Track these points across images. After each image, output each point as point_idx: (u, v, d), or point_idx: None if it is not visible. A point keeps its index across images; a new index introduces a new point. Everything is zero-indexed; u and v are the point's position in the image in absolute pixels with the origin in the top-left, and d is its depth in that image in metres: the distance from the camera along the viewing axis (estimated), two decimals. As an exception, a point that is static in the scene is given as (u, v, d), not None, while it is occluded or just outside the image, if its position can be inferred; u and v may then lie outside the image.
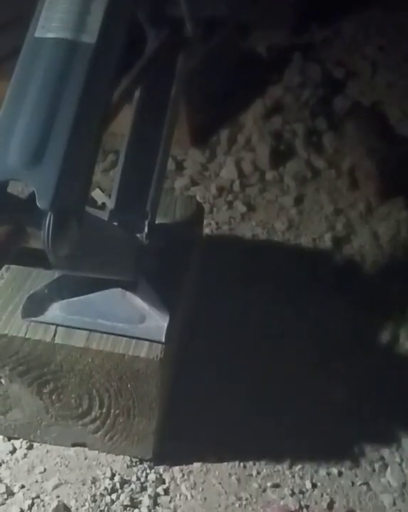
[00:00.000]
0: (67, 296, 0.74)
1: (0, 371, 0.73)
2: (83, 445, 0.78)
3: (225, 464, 0.79)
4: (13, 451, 0.78)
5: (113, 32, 0.59)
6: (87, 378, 0.72)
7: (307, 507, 0.76)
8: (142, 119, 0.78)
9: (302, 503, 0.76)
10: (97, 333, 0.71)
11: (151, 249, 0.76)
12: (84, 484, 0.75)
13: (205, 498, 0.76)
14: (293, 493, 0.77)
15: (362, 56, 1.60)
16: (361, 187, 1.25)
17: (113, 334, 0.71)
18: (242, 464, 0.79)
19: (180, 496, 0.76)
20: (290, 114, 1.39)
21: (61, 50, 0.56)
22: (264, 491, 0.77)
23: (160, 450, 0.78)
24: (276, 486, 0.78)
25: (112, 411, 0.74)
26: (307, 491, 0.78)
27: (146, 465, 0.78)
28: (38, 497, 0.74)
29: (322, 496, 0.78)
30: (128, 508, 0.73)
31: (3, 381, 0.73)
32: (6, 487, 0.74)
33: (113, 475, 0.76)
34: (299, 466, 0.80)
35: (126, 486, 0.75)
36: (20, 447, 0.78)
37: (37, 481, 0.75)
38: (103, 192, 0.90)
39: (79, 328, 0.72)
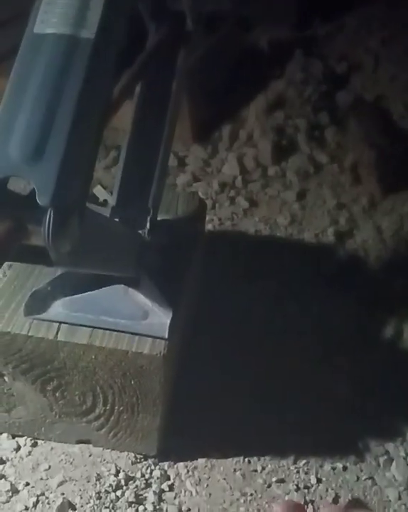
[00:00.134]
0: (69, 293, 0.74)
1: (3, 369, 0.73)
2: (87, 442, 0.78)
3: (230, 459, 0.79)
4: (18, 448, 0.78)
5: (113, 27, 0.58)
6: (91, 375, 0.72)
7: (312, 502, 0.76)
8: (143, 115, 0.78)
9: (307, 498, 0.76)
10: (99, 329, 0.71)
11: (153, 246, 0.76)
12: (88, 481, 0.75)
13: (210, 494, 0.76)
14: (298, 488, 0.77)
15: (365, 50, 1.59)
16: (364, 182, 1.25)
17: (116, 331, 0.71)
18: (246, 459, 0.79)
19: (185, 491, 0.76)
20: (292, 109, 1.38)
21: (61, 46, 0.55)
22: (269, 486, 0.77)
23: (165, 446, 0.78)
24: (281, 481, 0.78)
25: (116, 408, 0.74)
26: (312, 485, 0.78)
27: (150, 461, 0.77)
28: (42, 494, 0.74)
29: (327, 490, 0.77)
30: (133, 505, 0.73)
31: (6, 379, 0.73)
32: (11, 485, 0.74)
33: (118, 472, 0.76)
34: (304, 461, 0.80)
35: (130, 482, 0.75)
36: (25, 445, 0.78)
37: (41, 479, 0.75)
38: (105, 189, 0.90)
39: (82, 325, 0.71)
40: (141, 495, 0.74)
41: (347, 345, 0.94)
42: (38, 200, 0.52)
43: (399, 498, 0.77)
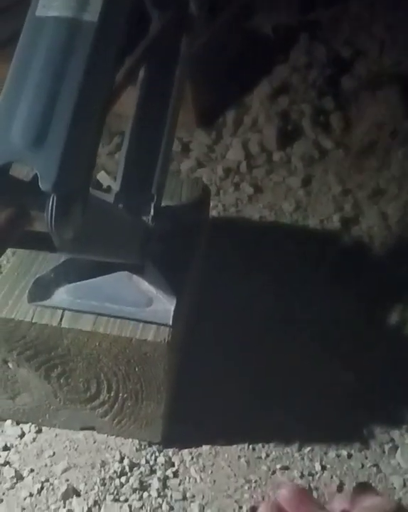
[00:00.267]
0: (73, 279, 0.73)
1: (8, 356, 0.72)
2: (92, 429, 0.78)
3: (234, 446, 0.79)
4: (22, 435, 0.78)
5: (116, 11, 0.58)
6: (95, 362, 0.72)
7: (316, 489, 0.76)
8: (147, 101, 0.78)
9: (311, 485, 0.76)
10: (104, 316, 0.71)
11: (157, 232, 0.76)
12: (93, 468, 0.75)
13: (214, 481, 0.76)
14: (302, 476, 0.77)
15: (370, 35, 1.58)
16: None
17: (120, 318, 0.71)
18: (250, 446, 0.79)
19: (189, 478, 0.76)
20: (297, 94, 1.37)
21: (63, 29, 0.55)
22: (274, 473, 0.77)
23: (169, 433, 0.78)
24: (285, 468, 0.78)
25: (120, 395, 0.74)
26: (316, 473, 0.78)
27: (154, 448, 0.77)
28: (47, 481, 0.74)
29: (331, 478, 0.77)
30: (137, 491, 0.73)
31: (11, 365, 0.73)
32: (15, 471, 0.74)
33: (122, 458, 0.76)
34: (308, 449, 0.80)
35: (135, 469, 0.75)
36: (29, 431, 0.78)
37: (46, 465, 0.75)
38: (108, 175, 0.89)
39: (86, 312, 0.71)
40: (146, 481, 0.75)
41: (352, 332, 0.94)
42: (40, 186, 0.51)
43: (404, 485, 0.77)
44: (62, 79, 0.54)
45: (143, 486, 0.74)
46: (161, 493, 0.74)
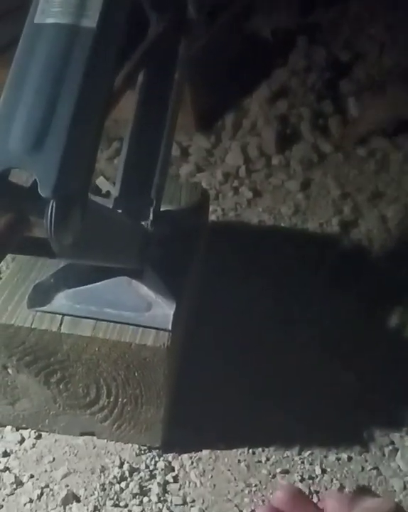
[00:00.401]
0: (73, 285, 0.73)
1: (7, 361, 0.72)
2: (91, 434, 0.78)
3: (234, 450, 0.79)
4: (22, 441, 0.78)
5: (115, 16, 0.58)
6: (94, 367, 0.72)
7: (317, 492, 0.76)
8: (145, 105, 0.78)
9: (312, 488, 0.76)
10: (103, 322, 0.71)
11: (156, 237, 0.76)
12: (93, 473, 0.75)
13: (215, 485, 0.76)
14: (302, 479, 0.77)
15: (369, 37, 1.58)
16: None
17: (119, 323, 0.71)
18: (250, 450, 0.79)
19: (189, 483, 0.76)
20: (296, 97, 1.38)
21: (62, 35, 0.55)
22: (274, 477, 0.77)
23: (169, 438, 0.78)
24: (285, 472, 0.77)
25: (120, 400, 0.74)
26: (317, 476, 0.77)
27: (154, 453, 0.77)
28: (47, 486, 0.73)
29: (332, 481, 0.77)
30: (137, 496, 0.73)
31: (10, 371, 0.73)
32: (15, 477, 0.74)
33: (122, 463, 0.76)
34: (308, 452, 0.80)
35: (135, 474, 0.75)
36: (29, 437, 0.78)
37: (46, 471, 0.75)
38: (107, 180, 0.89)
39: (85, 317, 0.71)
40: (146, 486, 0.74)
41: (351, 335, 0.94)
42: (39, 192, 0.51)
43: (404, 488, 0.77)
44: (61, 85, 0.54)
45: (143, 491, 0.74)
46: (161, 498, 0.74)
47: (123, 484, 0.74)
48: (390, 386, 0.87)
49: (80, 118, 0.54)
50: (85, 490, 0.73)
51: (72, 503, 0.72)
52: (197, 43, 0.84)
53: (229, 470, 0.77)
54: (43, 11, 0.55)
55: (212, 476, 0.76)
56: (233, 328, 0.93)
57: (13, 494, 0.73)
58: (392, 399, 0.86)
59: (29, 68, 0.55)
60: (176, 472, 0.76)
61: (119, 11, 0.59)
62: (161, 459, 0.77)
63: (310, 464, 0.78)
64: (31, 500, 0.72)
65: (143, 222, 0.75)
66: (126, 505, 0.72)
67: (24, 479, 0.74)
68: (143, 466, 0.76)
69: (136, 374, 0.71)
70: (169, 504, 0.73)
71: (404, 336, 0.95)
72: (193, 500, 0.74)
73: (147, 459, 0.77)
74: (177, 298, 0.73)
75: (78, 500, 0.72)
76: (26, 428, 0.79)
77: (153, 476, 0.75)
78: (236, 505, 0.74)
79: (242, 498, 0.74)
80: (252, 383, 0.86)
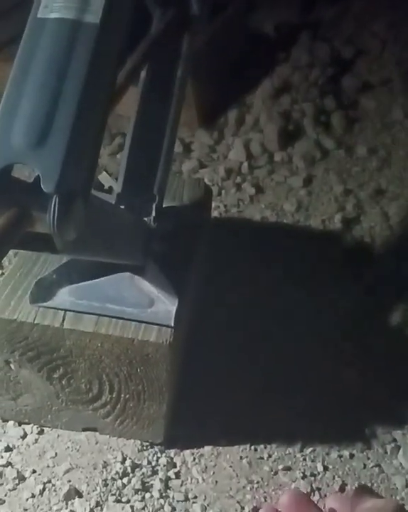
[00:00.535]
0: (75, 280, 0.73)
1: (10, 356, 0.72)
2: (94, 430, 0.78)
3: (236, 447, 0.79)
4: (24, 436, 0.78)
5: (117, 11, 0.58)
6: (97, 363, 0.72)
7: (319, 489, 0.76)
8: (148, 101, 0.78)
9: (314, 485, 0.76)
10: (105, 317, 0.71)
11: (158, 233, 0.76)
12: (95, 468, 0.75)
13: (216, 482, 0.76)
14: (304, 476, 0.77)
15: (371, 33, 1.57)
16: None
17: (122, 319, 0.71)
18: (252, 447, 0.79)
19: (191, 479, 0.76)
20: (298, 93, 1.37)
21: (65, 30, 0.55)
22: (276, 473, 0.77)
23: (171, 434, 0.78)
24: (287, 468, 0.77)
25: (122, 396, 0.74)
26: (318, 473, 0.77)
27: (156, 449, 0.77)
28: (49, 482, 0.74)
29: (334, 478, 0.77)
30: (139, 492, 0.73)
31: (13, 366, 0.73)
32: (17, 472, 0.74)
33: (124, 459, 0.76)
34: (311, 449, 0.80)
35: (137, 469, 0.75)
36: (31, 432, 0.78)
37: (48, 466, 0.75)
38: (110, 175, 0.89)
39: (88, 313, 0.71)
40: (148, 482, 0.74)
41: (354, 332, 0.94)
42: (42, 187, 0.51)
43: (406, 485, 0.77)
44: (64, 79, 0.54)
45: (145, 487, 0.74)
46: (163, 494, 0.74)
47: (125, 480, 0.74)
48: (392, 383, 0.87)
49: (83, 113, 0.54)
50: (87, 485, 0.73)
51: (74, 499, 0.72)
52: (200, 39, 0.84)
53: (231, 466, 0.77)
54: (46, 6, 0.55)
55: (214, 473, 0.77)
56: (235, 325, 0.93)
57: (15, 489, 0.73)
58: (395, 396, 0.86)
59: (32, 63, 0.55)
60: (178, 468, 0.77)
61: (122, 6, 0.59)
62: (163, 455, 0.77)
63: (312, 461, 0.79)
64: (33, 496, 0.72)
65: (145, 218, 0.75)
66: (128, 501, 0.72)
67: (26, 474, 0.74)
68: (145, 462, 0.76)
69: (139, 370, 0.71)
70: (171, 500, 0.73)
71: (406, 332, 0.95)
72: (195, 497, 0.74)
73: (149, 454, 0.77)
74: (179, 294, 0.73)
75: (80, 496, 0.73)
76: (29, 423, 0.79)
77: (155, 472, 0.75)
78: (238, 502, 0.74)
79: (244, 495, 0.74)
80: (254, 379, 0.86)
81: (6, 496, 0.72)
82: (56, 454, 0.76)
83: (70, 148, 0.52)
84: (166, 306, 0.72)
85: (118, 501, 0.72)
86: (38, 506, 0.72)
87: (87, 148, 0.55)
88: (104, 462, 0.75)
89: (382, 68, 1.49)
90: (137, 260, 0.74)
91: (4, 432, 0.78)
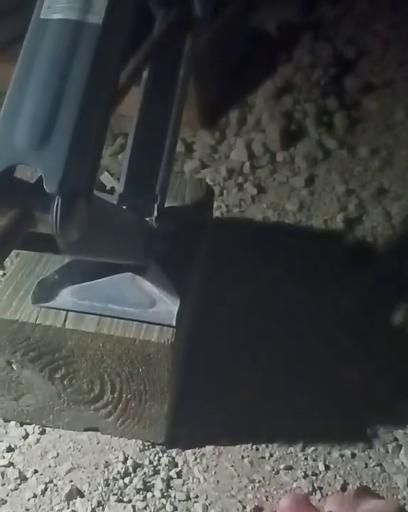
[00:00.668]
0: (77, 281, 0.73)
1: (11, 357, 0.73)
2: (95, 429, 0.78)
3: (238, 446, 0.79)
4: (26, 436, 0.78)
5: (120, 12, 0.58)
6: (99, 363, 0.72)
7: (320, 489, 0.76)
8: (150, 101, 0.78)
9: (315, 485, 0.76)
10: (107, 318, 0.71)
11: (160, 233, 0.76)
12: (97, 468, 0.75)
13: (218, 481, 0.76)
14: (306, 475, 0.77)
15: (374, 34, 1.58)
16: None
17: (123, 319, 0.71)
18: (254, 446, 0.79)
19: (193, 479, 0.76)
20: (300, 93, 1.37)
21: (68, 31, 0.55)
22: (277, 473, 0.77)
23: (173, 434, 0.78)
24: (289, 468, 0.78)
25: (124, 395, 0.74)
26: (320, 473, 0.78)
27: (158, 448, 0.78)
28: (51, 482, 0.74)
29: (335, 477, 0.77)
30: (141, 492, 0.73)
31: (14, 367, 0.73)
32: (19, 472, 0.74)
33: (125, 459, 0.76)
34: (312, 449, 0.80)
35: (138, 469, 0.75)
36: (33, 432, 0.78)
37: (50, 466, 0.75)
38: (112, 176, 0.89)
39: (89, 313, 0.71)
40: (149, 482, 0.75)
41: (355, 331, 0.94)
42: (45, 188, 0.51)
43: (408, 485, 0.77)
44: (66, 80, 0.54)
45: (147, 487, 0.74)
46: (165, 494, 0.74)
47: (126, 480, 0.74)
48: (394, 382, 0.87)
49: (86, 114, 0.54)
50: (89, 485, 0.73)
51: (75, 499, 0.72)
52: (201, 39, 0.84)
53: (232, 466, 0.77)
54: (49, 7, 0.55)
55: (215, 472, 0.77)
56: (236, 324, 0.93)
57: (17, 489, 0.73)
58: (396, 395, 0.86)
59: (35, 64, 0.55)
60: (180, 468, 0.77)
61: (125, 7, 0.59)
62: (165, 454, 0.77)
63: (314, 461, 0.79)
64: (35, 496, 0.73)
65: (147, 218, 0.75)
66: (129, 501, 0.73)
67: (28, 474, 0.74)
68: (146, 462, 0.76)
69: (140, 370, 0.71)
70: (172, 500, 0.73)
71: (407, 333, 0.95)
72: (197, 496, 0.74)
73: (151, 454, 0.77)
74: (181, 294, 0.73)
75: (82, 496, 0.73)
76: (30, 423, 0.79)
77: (156, 472, 0.76)
78: (239, 501, 0.74)
79: (246, 494, 0.75)
80: (255, 379, 0.86)
81: (7, 495, 0.73)
82: (58, 454, 0.77)
83: (72, 148, 0.52)
84: (168, 306, 0.72)
85: (120, 501, 0.73)
86: (40, 506, 0.72)
87: (90, 148, 0.55)
88: (106, 462, 0.75)
89: (384, 69, 1.49)
90: (139, 260, 0.74)
91: (6, 432, 0.78)
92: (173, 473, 0.76)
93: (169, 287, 0.73)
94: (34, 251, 0.65)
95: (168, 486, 0.75)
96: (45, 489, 0.73)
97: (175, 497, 0.74)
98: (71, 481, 0.74)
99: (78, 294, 0.72)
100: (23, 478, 0.74)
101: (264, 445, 0.79)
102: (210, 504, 0.74)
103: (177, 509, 0.73)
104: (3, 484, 0.73)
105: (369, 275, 1.03)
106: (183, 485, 0.75)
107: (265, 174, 1.22)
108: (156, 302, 0.73)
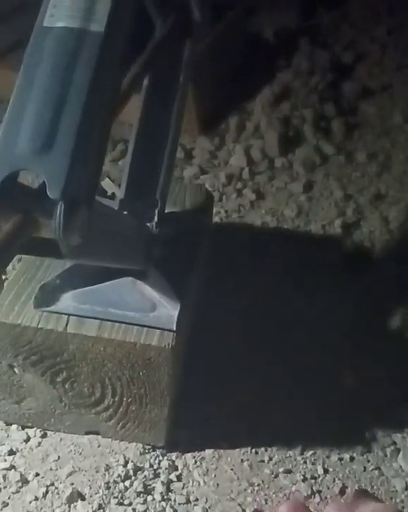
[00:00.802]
0: (78, 285, 0.74)
1: (13, 361, 0.73)
2: (96, 433, 0.79)
3: (237, 450, 0.80)
4: (27, 439, 0.78)
5: (122, 20, 0.58)
6: (100, 367, 0.72)
7: (319, 492, 0.76)
8: (151, 108, 0.78)
9: (314, 488, 0.77)
10: (108, 322, 0.72)
11: (160, 238, 0.76)
12: (97, 471, 0.75)
13: (218, 484, 0.76)
14: (305, 479, 0.77)
15: (371, 39, 1.58)
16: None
17: (124, 323, 0.71)
18: (253, 450, 0.80)
19: (193, 482, 0.76)
20: (298, 99, 1.38)
21: (70, 39, 0.56)
22: (276, 476, 0.78)
23: (173, 437, 0.78)
24: (288, 471, 0.78)
25: (125, 399, 0.74)
26: (319, 476, 0.78)
27: (158, 452, 0.78)
28: (52, 484, 0.74)
29: (334, 481, 0.78)
30: (141, 495, 0.74)
31: (16, 370, 0.74)
32: (21, 475, 0.75)
33: (126, 462, 0.76)
34: (311, 452, 0.80)
35: (139, 472, 0.76)
36: (34, 436, 0.79)
37: (51, 469, 0.76)
38: (112, 182, 0.90)
39: (90, 318, 0.72)
40: (150, 485, 0.75)
41: (353, 336, 0.94)
42: (48, 193, 0.52)
43: (406, 488, 0.78)
44: (69, 87, 0.55)
45: (147, 490, 0.75)
46: (165, 497, 0.74)
47: (127, 483, 0.75)
48: (392, 386, 0.88)
49: (88, 120, 0.54)
50: (90, 488, 0.74)
51: (76, 502, 0.73)
52: (200, 46, 0.84)
53: (232, 469, 0.78)
54: (52, 15, 0.56)
55: (215, 475, 0.77)
56: (236, 328, 0.93)
57: (18, 492, 0.74)
58: (394, 399, 0.86)
59: (38, 71, 0.55)
60: (180, 471, 0.77)
61: (126, 15, 0.59)
62: (165, 458, 0.78)
63: (313, 464, 0.79)
64: (36, 498, 0.73)
65: (148, 224, 0.76)
66: (130, 504, 0.73)
67: (29, 477, 0.75)
68: (147, 465, 0.77)
69: (141, 373, 0.72)
70: (173, 503, 0.74)
71: (405, 336, 0.96)
72: (196, 499, 0.75)
73: (151, 458, 0.77)
74: (181, 298, 0.74)
75: (83, 499, 0.73)
76: (32, 427, 0.79)
77: (157, 475, 0.76)
78: (239, 504, 0.74)
79: (245, 497, 0.75)
80: (255, 382, 0.86)
81: (9, 498, 0.73)
82: (59, 457, 0.77)
83: (75, 154, 0.53)
84: (168, 310, 0.73)
85: (120, 504, 0.73)
86: (41, 509, 0.72)
87: (92, 154, 0.56)
88: (107, 465, 0.76)
89: (382, 73, 1.50)
90: (139, 265, 0.74)
91: (8, 436, 0.79)
92: (173, 476, 0.76)
93: (169, 292, 0.74)
94: (37, 255, 0.65)
95: (168, 489, 0.75)
96: (47, 492, 0.74)
97: (175, 500, 0.74)
98: (72, 484, 0.74)
99: (79, 299, 0.73)
100: (24, 481, 0.74)
101: (263, 449, 0.80)
102: (209, 507, 0.74)
103: (177, 512, 0.73)
104: (4, 487, 0.74)
105: (368, 280, 1.04)
106: (183, 488, 0.76)
107: (264, 180, 1.22)
108: (157, 306, 0.73)
